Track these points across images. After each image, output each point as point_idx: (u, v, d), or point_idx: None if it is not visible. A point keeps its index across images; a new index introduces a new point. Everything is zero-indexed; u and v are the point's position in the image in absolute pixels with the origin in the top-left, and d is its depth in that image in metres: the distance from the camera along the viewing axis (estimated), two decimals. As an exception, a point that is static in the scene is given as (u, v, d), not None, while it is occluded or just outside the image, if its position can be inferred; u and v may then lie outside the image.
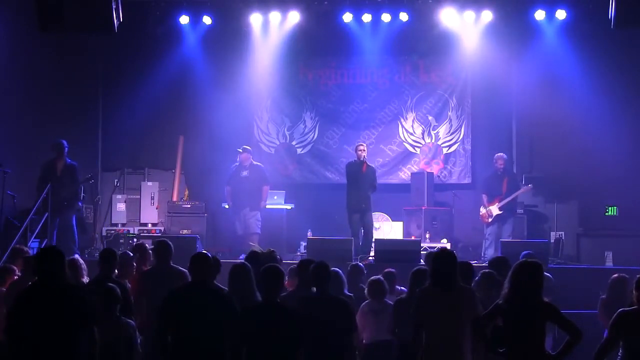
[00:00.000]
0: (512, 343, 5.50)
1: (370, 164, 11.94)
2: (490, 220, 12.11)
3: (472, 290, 5.92)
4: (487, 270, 7.07)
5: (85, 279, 7.59)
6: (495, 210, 12.08)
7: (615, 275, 7.73)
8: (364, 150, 11.74)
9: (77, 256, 8.48)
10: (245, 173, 12.17)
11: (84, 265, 7.76)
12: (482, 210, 12.20)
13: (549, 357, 5.53)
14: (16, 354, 5.14)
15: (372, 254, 11.43)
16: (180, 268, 7.48)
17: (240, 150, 12.30)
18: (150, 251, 8.09)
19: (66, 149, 11.51)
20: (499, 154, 12.41)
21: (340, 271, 7.05)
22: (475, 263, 9.81)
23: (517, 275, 5.53)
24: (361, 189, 11.52)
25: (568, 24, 12.78)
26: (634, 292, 5.66)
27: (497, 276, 6.74)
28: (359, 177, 11.55)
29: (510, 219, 12.16)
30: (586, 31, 12.56)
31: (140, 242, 10.00)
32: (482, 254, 12.02)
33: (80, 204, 11.84)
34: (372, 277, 7.39)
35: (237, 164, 12.29)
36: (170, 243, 7.67)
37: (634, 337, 5.55)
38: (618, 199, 12.35)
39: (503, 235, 11.98)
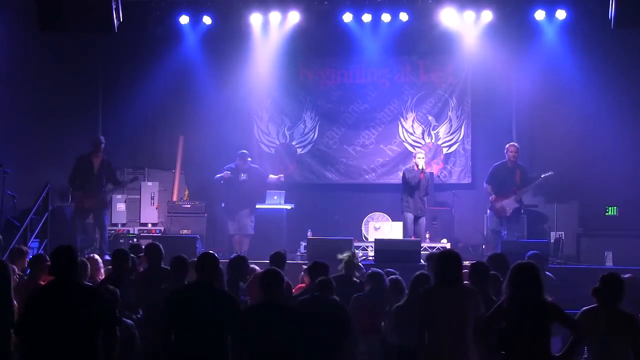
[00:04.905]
0: (516, 345, 5.38)
1: (426, 171, 12.05)
2: (509, 214, 11.57)
3: (475, 291, 5.92)
4: (492, 272, 7.12)
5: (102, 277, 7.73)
6: (512, 203, 11.55)
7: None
8: (422, 159, 11.90)
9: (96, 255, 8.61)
10: (243, 176, 12.20)
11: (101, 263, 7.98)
12: (497, 205, 11.62)
13: (554, 359, 5.44)
14: (28, 354, 5.13)
15: (371, 253, 11.52)
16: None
17: (246, 153, 12.37)
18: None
19: (103, 144, 11.61)
20: (511, 143, 11.92)
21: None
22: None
23: (516, 277, 5.45)
24: (418, 195, 11.80)
25: (568, 24, 12.78)
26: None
27: (500, 277, 6.76)
28: (417, 183, 11.76)
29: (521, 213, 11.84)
30: (586, 31, 12.55)
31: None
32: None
33: None
34: (391, 277, 7.45)
35: (233, 165, 12.29)
36: (160, 245, 7.87)
37: (596, 336, 5.54)
38: (618, 199, 12.32)
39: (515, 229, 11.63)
